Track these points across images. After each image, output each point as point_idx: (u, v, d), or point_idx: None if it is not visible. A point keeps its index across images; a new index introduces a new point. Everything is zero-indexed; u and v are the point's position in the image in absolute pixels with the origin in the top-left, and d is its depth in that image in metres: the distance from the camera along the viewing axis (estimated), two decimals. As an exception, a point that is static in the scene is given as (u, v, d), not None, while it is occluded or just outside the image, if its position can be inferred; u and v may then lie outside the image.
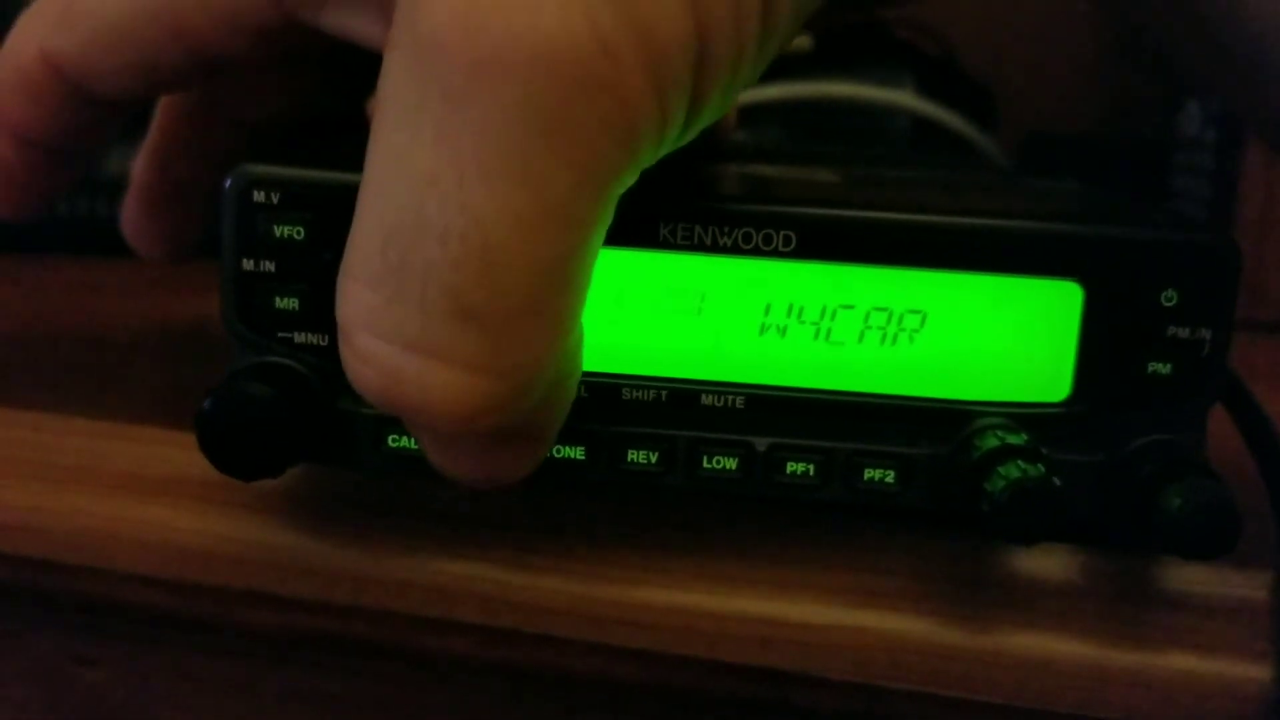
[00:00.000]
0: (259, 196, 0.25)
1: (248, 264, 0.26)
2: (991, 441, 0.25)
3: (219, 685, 0.32)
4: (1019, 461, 0.24)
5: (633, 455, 0.26)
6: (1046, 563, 0.26)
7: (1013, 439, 0.25)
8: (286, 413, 0.25)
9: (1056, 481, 0.24)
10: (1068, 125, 0.72)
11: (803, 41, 0.62)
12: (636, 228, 0.25)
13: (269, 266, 0.26)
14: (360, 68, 0.29)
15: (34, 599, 0.31)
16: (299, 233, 0.25)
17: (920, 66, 0.66)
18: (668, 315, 0.26)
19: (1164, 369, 0.25)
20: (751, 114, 0.61)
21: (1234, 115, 0.54)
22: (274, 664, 0.31)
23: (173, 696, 0.32)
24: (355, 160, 0.27)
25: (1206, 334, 0.25)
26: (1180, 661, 0.26)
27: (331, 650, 0.30)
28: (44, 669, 0.33)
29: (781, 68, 0.61)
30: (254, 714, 0.32)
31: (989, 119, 0.67)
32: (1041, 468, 0.24)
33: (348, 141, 0.30)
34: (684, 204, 0.25)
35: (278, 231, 0.25)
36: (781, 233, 0.25)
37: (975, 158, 0.63)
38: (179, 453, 0.30)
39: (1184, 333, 0.25)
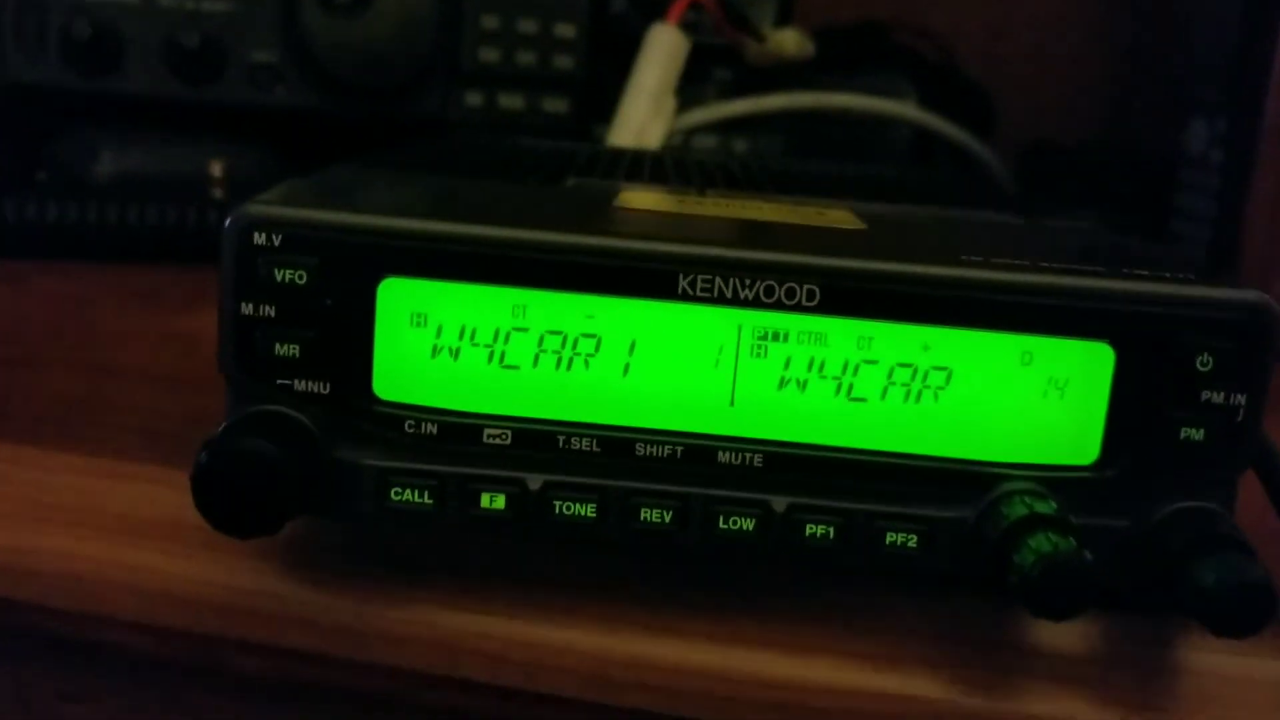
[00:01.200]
0: (259, 239, 0.24)
1: (247, 308, 0.25)
2: (1020, 510, 0.24)
3: (209, 728, 0.31)
4: (1050, 534, 0.23)
5: (645, 513, 0.25)
6: (1069, 628, 0.26)
7: (1041, 507, 0.24)
8: (285, 469, 0.24)
9: (1088, 556, 0.23)
10: (1069, 133, 0.71)
11: (806, 47, 0.61)
12: (655, 279, 0.24)
13: (269, 311, 0.25)
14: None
15: (19, 635, 0.30)
16: (301, 277, 0.24)
17: (921, 73, 0.65)
18: (684, 368, 0.25)
19: (1197, 434, 0.24)
20: (754, 124, 0.60)
21: (1243, 134, 0.54)
22: (267, 707, 0.30)
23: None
24: (364, 200, 0.26)
25: (1241, 399, 0.24)
26: (1206, 734, 0.25)
27: (326, 697, 0.29)
28: (25, 703, 0.32)
29: (784, 75, 0.60)
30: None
31: (989, 126, 0.66)
32: (1072, 541, 0.23)
33: (361, 180, 0.29)
34: (704, 255, 0.24)
35: (279, 275, 0.24)
36: (805, 286, 0.24)
37: (977, 169, 0.62)
38: (172, 494, 0.28)
39: (1218, 398, 0.24)
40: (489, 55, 0.56)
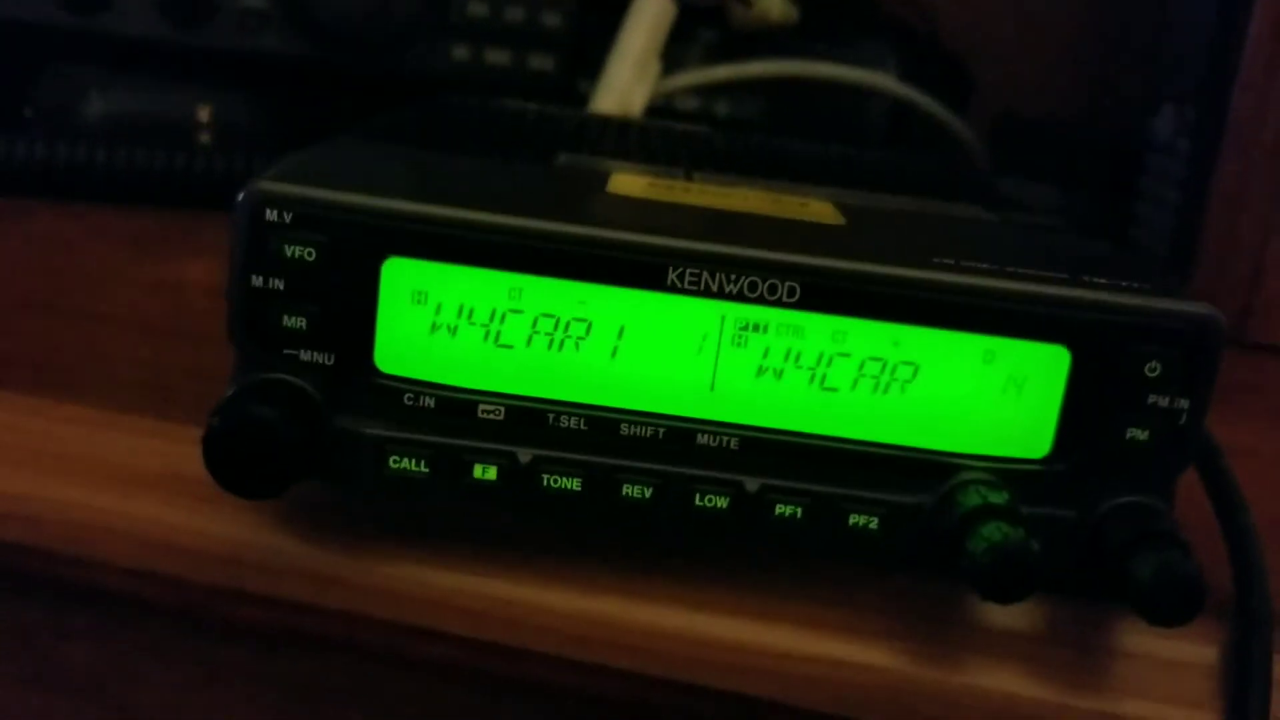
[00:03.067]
0: (271, 215, 0.26)
1: (257, 280, 0.26)
2: (974, 499, 0.26)
3: (200, 669, 0.32)
4: (1000, 524, 0.25)
5: (627, 489, 0.26)
6: (1017, 609, 0.28)
7: (994, 497, 0.26)
8: (292, 436, 0.25)
9: (1035, 545, 0.25)
10: (1044, 107, 0.73)
11: (789, 13, 0.62)
12: (645, 270, 0.26)
13: (278, 285, 0.26)
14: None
15: (20, 579, 0.32)
16: (310, 254, 0.26)
17: (904, 44, 0.66)
18: (669, 354, 0.26)
19: (1142, 435, 0.26)
20: (735, 89, 0.61)
21: (1210, 124, 0.55)
22: (257, 654, 0.32)
23: (153, 675, 0.33)
24: (373, 179, 0.28)
25: (1185, 404, 0.26)
26: (1136, 709, 0.27)
27: (318, 647, 0.30)
28: (23, 639, 0.33)
29: (767, 41, 0.61)
30: (233, 698, 0.33)
31: (967, 99, 0.68)
32: (1021, 530, 0.25)
33: (364, 155, 0.30)
34: (692, 250, 0.25)
35: (289, 251, 0.26)
36: (786, 283, 0.26)
37: (952, 142, 0.64)
38: (171, 446, 0.30)
39: (1164, 402, 0.26)
40: (477, 10, 0.56)
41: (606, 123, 0.46)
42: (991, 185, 0.45)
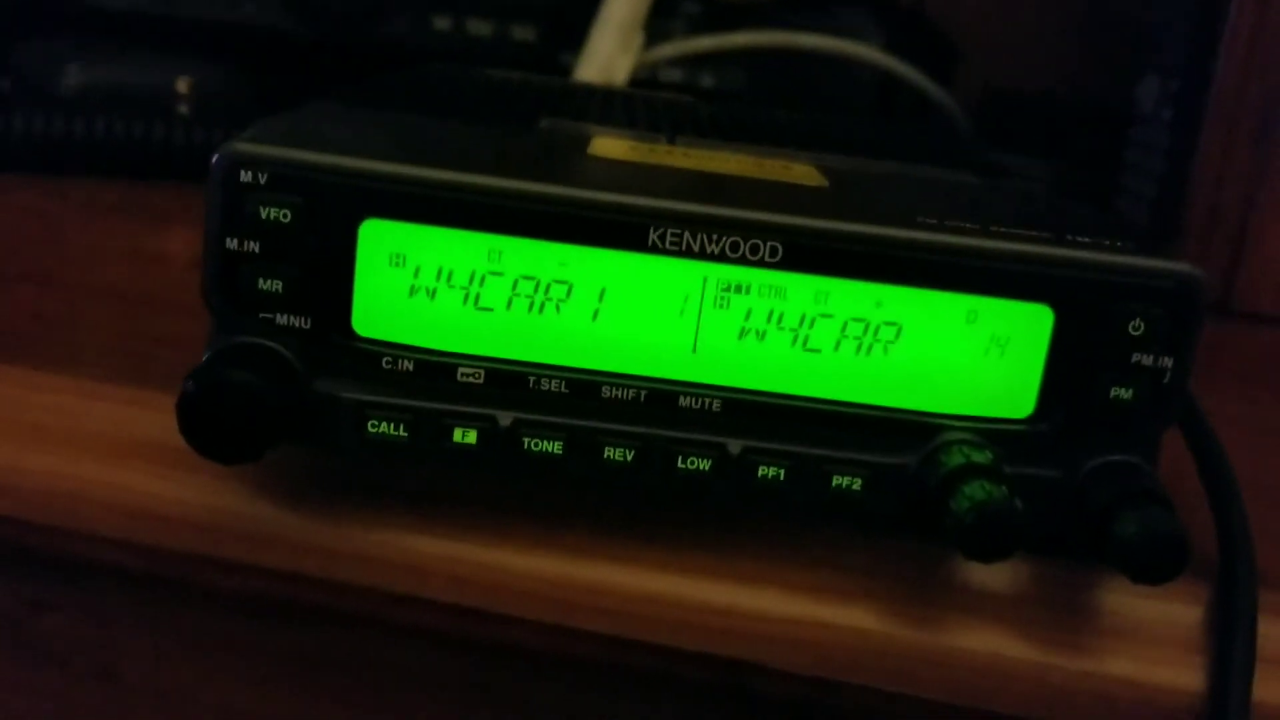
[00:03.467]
0: (246, 176, 0.25)
1: (232, 243, 0.25)
2: (958, 458, 0.26)
3: (181, 638, 0.32)
4: (984, 483, 0.25)
5: (609, 452, 0.26)
6: (999, 570, 0.28)
7: (977, 457, 0.26)
8: (268, 400, 0.25)
9: (1018, 504, 0.24)
10: (1031, 82, 0.73)
11: (774, -16, 0.62)
12: (626, 231, 0.25)
13: (253, 247, 0.26)
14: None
15: (-2, 547, 0.31)
16: (285, 216, 0.25)
17: (889, 16, 0.66)
18: (651, 316, 0.26)
19: (1125, 394, 0.26)
20: (719, 61, 0.60)
21: (1193, 95, 0.55)
22: (239, 622, 0.32)
23: (132, 644, 0.33)
24: (347, 141, 0.27)
25: (1169, 362, 0.26)
26: (1119, 668, 0.27)
27: (299, 614, 0.30)
28: (2, 609, 0.33)
29: (752, 12, 0.61)
30: (214, 666, 0.33)
31: (952, 71, 0.68)
32: (1005, 489, 0.25)
33: (342, 119, 0.30)
34: (674, 210, 0.25)
35: (264, 213, 0.25)
36: (768, 243, 0.25)
37: (937, 114, 0.63)
38: (151, 415, 0.30)
39: (1147, 360, 0.26)
40: (459, -21, 0.56)
41: (590, 90, 0.46)
42: (977, 151, 0.44)
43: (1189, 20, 0.57)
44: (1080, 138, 0.67)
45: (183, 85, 0.53)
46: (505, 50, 0.57)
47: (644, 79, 0.58)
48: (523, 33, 0.58)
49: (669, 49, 0.58)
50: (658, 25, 0.58)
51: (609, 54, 0.55)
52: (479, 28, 0.57)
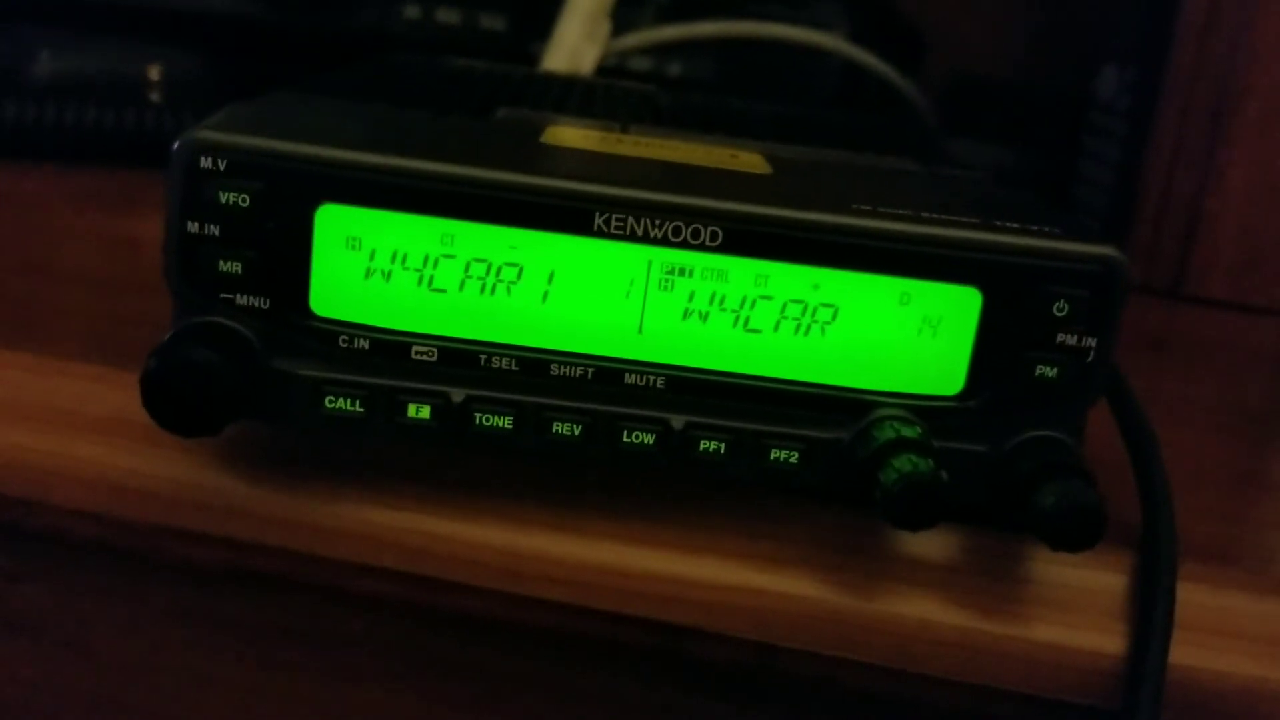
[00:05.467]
0: (206, 163, 0.26)
1: (192, 227, 0.27)
2: (888, 433, 0.27)
3: (149, 608, 0.33)
4: (911, 455, 0.26)
5: (557, 427, 0.27)
6: (930, 539, 0.29)
7: (907, 432, 0.27)
8: (228, 376, 0.26)
9: (944, 476, 0.26)
10: (994, 68, 0.74)
11: (743, -29, 0.62)
12: (573, 216, 0.26)
13: (214, 230, 0.27)
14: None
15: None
16: (244, 200, 0.26)
17: (856, 6, 0.67)
18: (598, 298, 0.27)
19: (1050, 372, 0.27)
20: (687, 50, 0.61)
21: (1149, 84, 0.56)
22: (202, 592, 0.33)
23: (101, 615, 0.34)
24: (306, 129, 0.28)
25: (1092, 342, 0.27)
26: (1045, 634, 0.28)
27: (260, 584, 0.31)
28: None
29: (720, 1, 0.62)
30: (180, 636, 0.34)
31: (918, 61, 0.69)
32: (931, 462, 0.26)
33: (303, 107, 0.31)
34: (618, 196, 0.26)
35: (223, 198, 0.26)
36: (709, 228, 0.27)
37: (901, 104, 0.64)
38: (117, 393, 0.31)
39: (1072, 340, 0.27)
40: (428, -32, 0.57)
41: (551, 80, 0.47)
42: (929, 140, 0.46)
43: (1146, 10, 0.58)
44: (1043, 125, 0.68)
45: (154, 72, 0.54)
46: (474, 39, 0.58)
47: (612, 67, 0.59)
48: (491, 21, 0.58)
49: (635, 38, 0.59)
50: (627, 13, 0.59)
51: (575, 43, 0.56)
52: (448, 16, 0.58)
